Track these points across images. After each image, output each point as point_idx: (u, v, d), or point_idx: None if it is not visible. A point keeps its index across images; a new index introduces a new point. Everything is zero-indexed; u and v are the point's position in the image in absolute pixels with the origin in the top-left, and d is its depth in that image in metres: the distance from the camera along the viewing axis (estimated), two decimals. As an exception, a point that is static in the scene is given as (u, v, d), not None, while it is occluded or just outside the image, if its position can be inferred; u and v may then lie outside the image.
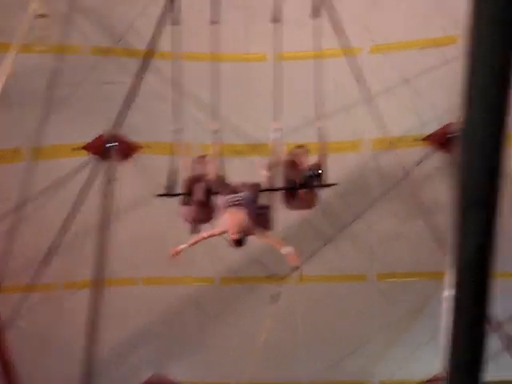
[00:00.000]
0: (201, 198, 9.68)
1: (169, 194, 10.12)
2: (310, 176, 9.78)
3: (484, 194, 2.67)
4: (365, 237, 14.84)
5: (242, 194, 9.30)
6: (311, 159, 10.06)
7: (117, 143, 13.35)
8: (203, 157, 10.15)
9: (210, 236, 9.36)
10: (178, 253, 9.39)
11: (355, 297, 15.58)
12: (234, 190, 9.44)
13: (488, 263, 2.76)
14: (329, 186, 9.96)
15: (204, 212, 9.84)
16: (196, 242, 9.34)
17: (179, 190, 10.21)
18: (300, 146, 10.19)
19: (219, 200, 9.40)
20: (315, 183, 9.74)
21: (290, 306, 14.79)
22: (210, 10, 10.43)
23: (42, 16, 8.61)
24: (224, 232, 9.26)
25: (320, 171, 9.75)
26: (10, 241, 12.44)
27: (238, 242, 9.13)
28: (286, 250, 9.37)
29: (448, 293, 2.85)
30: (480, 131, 2.61)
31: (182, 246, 9.33)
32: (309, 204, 9.97)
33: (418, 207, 11.99)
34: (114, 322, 13.86)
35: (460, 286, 2.86)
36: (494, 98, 2.54)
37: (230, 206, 9.21)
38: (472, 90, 2.57)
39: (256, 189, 9.51)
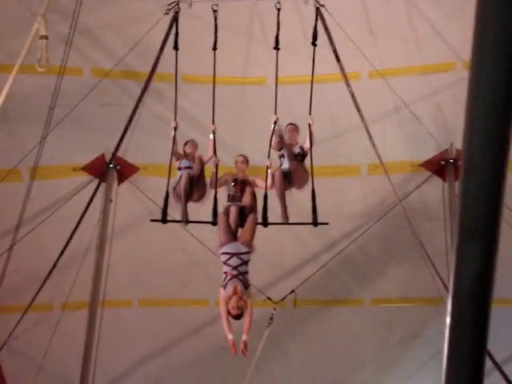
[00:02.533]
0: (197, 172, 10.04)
1: (163, 219, 10.18)
2: (299, 153, 10.20)
3: (484, 223, 2.69)
4: (359, 262, 14.86)
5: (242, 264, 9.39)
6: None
7: (115, 165, 13.42)
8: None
9: (226, 312, 9.29)
10: (245, 352, 9.30)
11: (349, 321, 15.58)
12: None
13: (487, 292, 2.77)
14: (321, 224, 10.05)
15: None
16: (228, 324, 9.27)
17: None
18: (292, 124, 10.45)
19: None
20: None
21: (285, 329, 14.80)
22: (208, 35, 10.47)
23: (43, 37, 8.65)
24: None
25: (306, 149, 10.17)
26: (7, 261, 12.43)
27: (238, 317, 9.13)
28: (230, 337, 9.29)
29: (448, 321, 2.86)
30: (481, 160, 2.64)
31: (230, 338, 9.23)
32: (305, 176, 10.12)
33: (414, 233, 11.98)
34: (109, 343, 13.82)
35: (458, 315, 2.88)
36: (495, 127, 2.57)
37: (231, 278, 9.23)
38: (473, 120, 2.61)
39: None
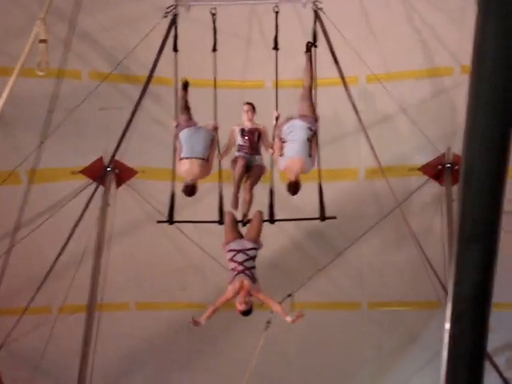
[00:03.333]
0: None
1: (169, 220, 10.12)
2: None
3: (483, 229, 2.71)
4: (357, 265, 14.87)
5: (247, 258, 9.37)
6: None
7: (114, 168, 13.43)
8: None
9: (220, 304, 9.31)
10: (197, 324, 9.34)
11: (346, 324, 15.58)
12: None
13: (486, 298, 2.79)
14: (329, 218, 10.03)
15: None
16: (211, 313, 9.29)
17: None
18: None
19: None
20: None
21: (282, 333, 14.78)
22: (207, 38, 10.50)
23: (43, 41, 8.66)
24: (232, 298, 9.26)
25: None
26: (5, 263, 12.43)
27: (246, 313, 9.12)
28: (289, 318, 9.35)
29: (448, 326, 2.88)
30: (480, 166, 2.66)
31: (202, 320, 9.27)
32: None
33: (411, 236, 12.02)
34: (106, 347, 13.82)
35: (457, 320, 2.89)
36: (494, 134, 2.60)
37: (237, 273, 9.22)
38: (473, 127, 2.63)
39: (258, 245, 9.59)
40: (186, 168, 9.60)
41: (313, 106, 9.93)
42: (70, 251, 12.98)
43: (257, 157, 10.05)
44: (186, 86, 10.32)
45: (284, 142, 9.68)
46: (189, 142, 9.70)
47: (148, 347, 15.36)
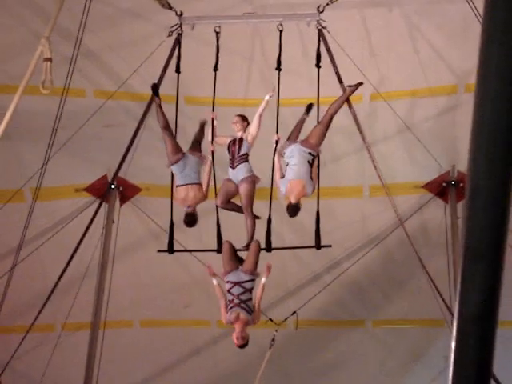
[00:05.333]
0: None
1: (169, 250, 10.21)
2: None
3: (489, 247, 2.70)
4: (360, 283, 14.86)
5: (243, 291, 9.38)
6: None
7: (117, 185, 13.45)
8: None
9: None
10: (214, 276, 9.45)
11: (351, 342, 15.55)
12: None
13: (492, 317, 2.78)
14: (324, 246, 10.00)
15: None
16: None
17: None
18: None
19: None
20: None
21: (286, 350, 14.76)
22: (211, 56, 10.53)
23: (47, 60, 8.71)
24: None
25: None
26: (9, 281, 12.43)
27: (243, 346, 9.15)
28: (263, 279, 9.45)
29: (453, 345, 2.86)
30: (486, 184, 2.65)
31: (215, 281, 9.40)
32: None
33: (415, 254, 12.00)
34: (110, 365, 13.79)
35: (462, 339, 2.88)
36: (500, 152, 2.59)
37: (233, 307, 9.23)
38: (478, 144, 2.63)
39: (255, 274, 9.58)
40: (182, 195, 9.80)
41: (324, 136, 9.91)
42: (73, 268, 12.99)
43: (242, 166, 9.92)
44: (155, 89, 10.24)
45: (286, 165, 9.75)
46: (181, 172, 9.88)
47: (152, 364, 15.33)
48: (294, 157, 9.70)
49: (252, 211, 9.71)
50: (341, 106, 10.12)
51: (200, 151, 10.19)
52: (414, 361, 15.55)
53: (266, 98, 9.94)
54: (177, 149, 9.99)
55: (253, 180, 9.78)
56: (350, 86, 10.29)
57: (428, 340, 15.17)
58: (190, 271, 14.12)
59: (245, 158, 9.87)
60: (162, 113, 10.07)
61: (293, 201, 9.52)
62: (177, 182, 9.92)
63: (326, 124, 9.93)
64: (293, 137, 10.03)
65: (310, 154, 9.70)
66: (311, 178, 9.61)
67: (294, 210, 9.57)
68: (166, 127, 10.03)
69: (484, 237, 2.66)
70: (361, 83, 10.30)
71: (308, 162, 9.66)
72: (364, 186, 13.93)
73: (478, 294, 2.74)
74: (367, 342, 15.51)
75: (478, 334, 2.80)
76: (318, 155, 9.78)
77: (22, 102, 9.00)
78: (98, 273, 13.03)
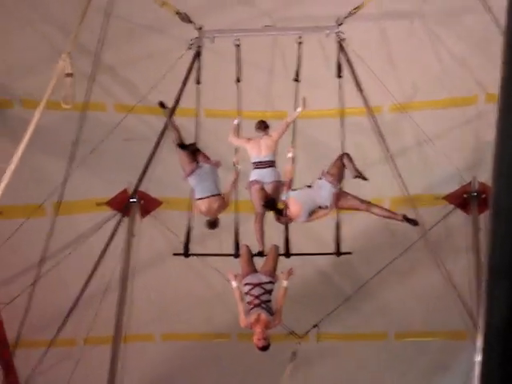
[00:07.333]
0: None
1: (184, 253, 10.24)
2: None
3: (514, 262, 2.68)
4: (382, 294, 14.78)
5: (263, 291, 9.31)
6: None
7: (138, 199, 13.48)
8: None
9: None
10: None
11: (373, 356, 15.46)
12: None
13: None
14: (344, 254, 9.98)
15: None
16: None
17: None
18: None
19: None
20: None
21: (308, 364, 14.69)
22: (230, 69, 10.56)
23: (68, 75, 8.76)
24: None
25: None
26: (31, 295, 12.48)
27: (265, 349, 8.97)
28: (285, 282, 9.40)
29: (479, 359, 2.85)
30: (509, 200, 2.63)
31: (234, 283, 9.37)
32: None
33: (438, 265, 11.94)
34: (132, 379, 13.80)
35: (488, 354, 2.86)
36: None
37: (254, 307, 9.16)
38: (501, 160, 2.61)
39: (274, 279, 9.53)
40: (204, 208, 9.91)
41: (341, 177, 9.86)
42: (94, 282, 13.03)
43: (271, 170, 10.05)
44: (163, 105, 10.39)
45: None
46: (199, 184, 9.92)
47: (174, 378, 15.32)
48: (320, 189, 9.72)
49: None
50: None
51: (208, 157, 10.20)
52: (436, 374, 15.44)
53: (298, 110, 9.98)
54: (190, 159, 10.04)
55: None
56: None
57: (451, 352, 15.05)
58: (211, 284, 14.12)
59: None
60: (175, 126, 10.19)
61: (283, 214, 9.69)
62: (197, 195, 9.96)
63: (341, 168, 9.86)
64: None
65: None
66: (309, 215, 9.70)
67: (268, 202, 9.73)
68: (180, 140, 10.12)
69: (508, 252, 2.64)
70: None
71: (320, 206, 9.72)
72: (385, 197, 13.87)
73: (502, 308, 2.73)
74: (389, 354, 15.41)
75: (503, 348, 2.78)
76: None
77: (44, 117, 9.04)
78: (120, 287, 13.05)
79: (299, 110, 9.98)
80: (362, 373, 15.57)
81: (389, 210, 9.81)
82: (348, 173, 9.80)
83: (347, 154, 9.85)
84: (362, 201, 9.70)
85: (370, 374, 15.56)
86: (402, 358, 15.40)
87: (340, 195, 9.67)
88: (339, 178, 9.77)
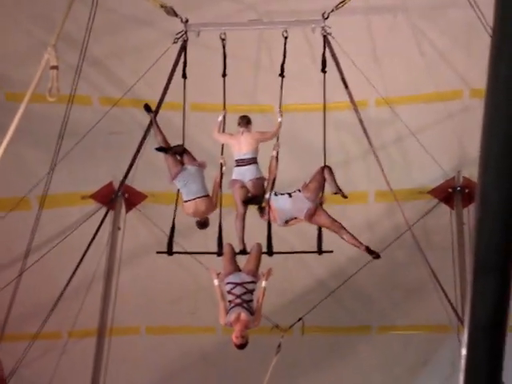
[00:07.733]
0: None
1: (168, 252, 10.22)
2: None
3: (498, 257, 2.70)
4: (366, 289, 14.83)
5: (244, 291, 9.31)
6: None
7: (123, 192, 13.46)
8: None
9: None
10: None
11: (356, 348, 15.53)
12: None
13: (502, 326, 2.78)
14: (326, 252, 9.97)
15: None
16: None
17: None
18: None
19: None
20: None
21: (293, 357, 14.73)
22: (216, 63, 10.56)
23: (54, 67, 8.72)
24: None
25: None
26: (16, 289, 12.45)
27: (242, 347, 8.96)
28: (264, 283, 9.41)
29: (464, 352, 2.88)
30: (495, 195, 2.65)
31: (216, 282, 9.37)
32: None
33: (422, 259, 11.99)
34: (117, 372, 13.79)
35: (473, 348, 2.89)
36: (509, 162, 2.59)
37: (234, 306, 9.16)
38: (488, 155, 2.63)
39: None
40: (191, 210, 9.86)
41: (319, 192, 9.82)
42: (79, 276, 13.00)
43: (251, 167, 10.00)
44: (148, 109, 10.37)
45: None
46: (185, 186, 9.89)
47: (159, 371, 15.32)
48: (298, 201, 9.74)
49: None
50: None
51: (194, 158, 10.16)
52: (421, 367, 15.51)
53: (279, 120, 10.00)
54: (175, 162, 10.01)
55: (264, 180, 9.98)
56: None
57: (435, 346, 15.13)
58: (196, 278, 14.11)
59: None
60: (160, 130, 10.18)
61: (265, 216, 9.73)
62: (184, 197, 9.92)
63: (319, 187, 9.85)
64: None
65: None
66: (286, 222, 9.81)
67: (251, 199, 9.74)
68: (165, 144, 10.10)
69: (493, 247, 2.66)
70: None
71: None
72: (369, 191, 13.91)
73: (487, 302, 2.75)
74: (373, 348, 15.48)
75: (488, 343, 2.80)
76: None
77: (29, 110, 9.00)
78: (104, 280, 13.04)
79: (280, 120, 10.04)
80: (347, 366, 15.63)
81: (356, 239, 9.73)
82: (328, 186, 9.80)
83: (328, 168, 9.82)
84: (334, 222, 9.63)
85: (355, 367, 15.62)
86: (388, 351, 15.47)
87: (314, 212, 9.69)
88: (317, 192, 9.76)
